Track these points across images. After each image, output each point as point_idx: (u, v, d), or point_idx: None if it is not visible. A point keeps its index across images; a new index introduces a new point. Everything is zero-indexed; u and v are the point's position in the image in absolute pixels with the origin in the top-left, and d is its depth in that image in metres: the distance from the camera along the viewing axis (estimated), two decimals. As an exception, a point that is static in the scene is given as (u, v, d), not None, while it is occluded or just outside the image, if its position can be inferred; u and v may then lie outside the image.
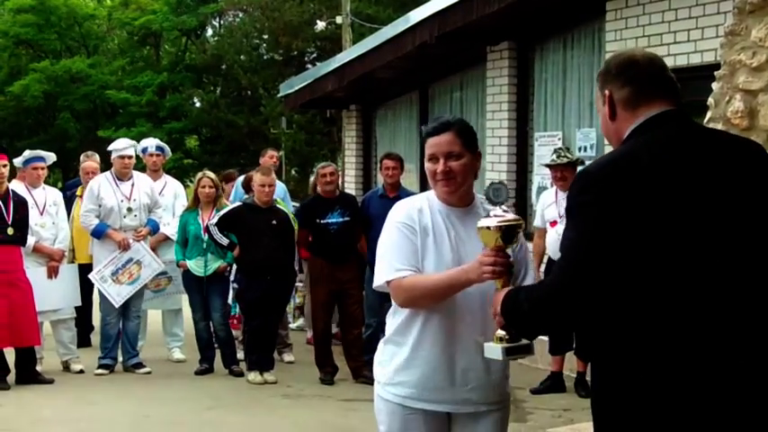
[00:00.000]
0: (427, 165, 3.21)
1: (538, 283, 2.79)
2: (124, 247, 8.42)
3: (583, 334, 2.59)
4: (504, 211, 3.03)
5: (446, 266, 3.11)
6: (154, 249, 8.72)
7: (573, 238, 2.43)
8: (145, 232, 8.60)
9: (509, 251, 3.01)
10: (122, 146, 8.76)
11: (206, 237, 8.30)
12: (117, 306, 8.36)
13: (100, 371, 8.38)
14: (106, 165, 9.26)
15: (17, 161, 8.60)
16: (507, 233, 2.96)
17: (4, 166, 7.79)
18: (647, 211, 2.33)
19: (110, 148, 8.87)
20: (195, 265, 8.46)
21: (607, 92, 2.58)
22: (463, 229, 3.19)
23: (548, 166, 7.74)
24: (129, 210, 8.50)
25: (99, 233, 8.48)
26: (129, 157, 8.67)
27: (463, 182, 3.19)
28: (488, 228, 2.96)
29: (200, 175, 8.98)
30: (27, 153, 8.65)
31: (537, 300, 2.53)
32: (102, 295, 8.48)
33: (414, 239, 3.15)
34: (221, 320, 8.54)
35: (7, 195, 7.79)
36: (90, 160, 9.80)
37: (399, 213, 3.21)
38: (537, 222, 7.92)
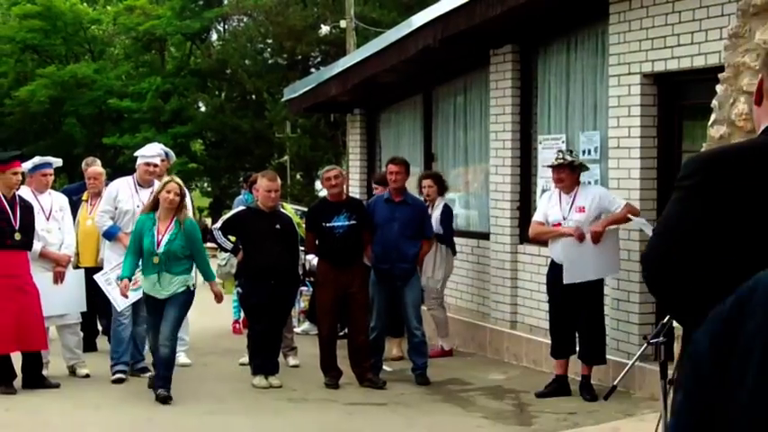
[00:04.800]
0: None
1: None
2: None
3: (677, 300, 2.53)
4: None
5: None
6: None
7: (664, 218, 2.43)
8: None
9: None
10: (150, 152, 8.77)
11: (160, 251, 7.47)
12: (119, 310, 8.36)
13: (116, 376, 8.31)
14: (113, 170, 9.28)
15: (25, 166, 8.62)
16: None
17: (15, 173, 7.81)
18: (739, 211, 2.31)
19: (137, 153, 8.93)
20: (149, 284, 7.57)
21: (760, 75, 2.48)
22: None
23: (550, 167, 7.75)
24: None
25: (110, 235, 8.52)
26: (155, 165, 8.68)
27: None
28: None
29: (167, 178, 7.91)
30: (37, 159, 8.66)
31: (642, 262, 2.52)
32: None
33: None
34: (169, 335, 7.56)
35: (14, 201, 7.81)
36: (95, 165, 9.85)
37: None
38: (538, 218, 7.87)
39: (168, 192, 7.54)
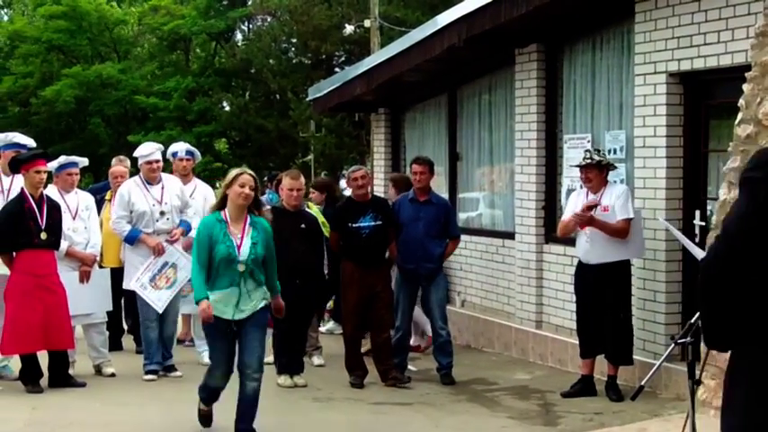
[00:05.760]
0: None
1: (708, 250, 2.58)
2: (159, 252, 8.44)
3: (726, 313, 2.44)
4: None
5: None
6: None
7: (736, 212, 2.38)
8: (179, 233, 8.62)
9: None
10: (148, 151, 8.72)
11: (245, 257, 6.20)
12: (160, 311, 8.39)
13: (148, 377, 8.40)
14: (136, 170, 9.29)
15: (51, 165, 8.68)
16: None
17: (39, 172, 7.85)
18: None
19: (135, 154, 8.86)
20: (226, 301, 6.20)
21: None
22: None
23: (578, 166, 7.72)
24: (162, 213, 8.52)
25: (132, 239, 8.51)
26: (157, 162, 8.67)
27: None
28: None
29: (238, 170, 6.41)
30: (62, 158, 8.70)
31: (702, 269, 2.43)
32: (141, 300, 8.52)
33: None
34: (258, 366, 6.31)
35: (41, 200, 7.87)
36: (120, 164, 9.88)
37: None
38: (566, 216, 7.78)
39: (242, 186, 6.21)
